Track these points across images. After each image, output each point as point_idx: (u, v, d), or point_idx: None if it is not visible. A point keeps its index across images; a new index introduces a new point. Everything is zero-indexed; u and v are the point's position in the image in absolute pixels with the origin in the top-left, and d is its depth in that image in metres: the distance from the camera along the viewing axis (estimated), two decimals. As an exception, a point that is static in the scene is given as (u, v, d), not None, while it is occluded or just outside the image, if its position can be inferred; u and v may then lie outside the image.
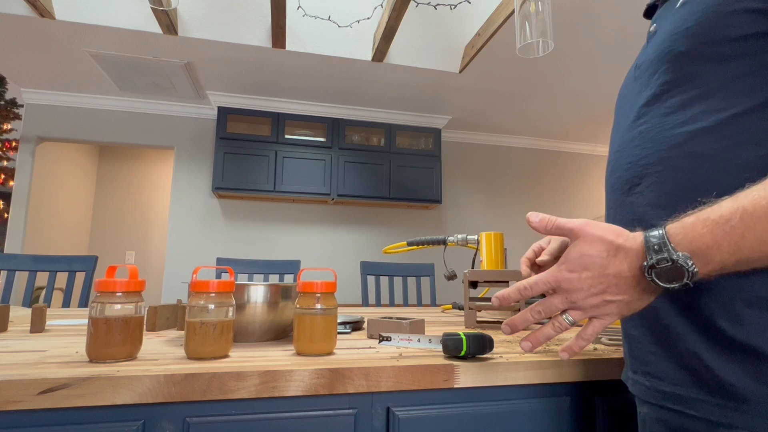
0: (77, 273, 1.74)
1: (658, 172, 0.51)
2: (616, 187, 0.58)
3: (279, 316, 0.77)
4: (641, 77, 0.57)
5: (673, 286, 0.42)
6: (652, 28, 0.60)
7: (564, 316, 0.51)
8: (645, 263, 0.43)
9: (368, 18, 2.58)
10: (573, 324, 0.51)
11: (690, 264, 0.41)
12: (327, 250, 3.64)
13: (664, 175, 0.51)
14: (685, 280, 0.41)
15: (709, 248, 0.40)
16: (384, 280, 3.19)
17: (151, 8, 2.27)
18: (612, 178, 0.60)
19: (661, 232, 0.43)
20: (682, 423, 0.46)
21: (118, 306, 0.58)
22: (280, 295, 0.76)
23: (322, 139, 3.43)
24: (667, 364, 0.48)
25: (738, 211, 0.39)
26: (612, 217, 0.60)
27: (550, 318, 0.54)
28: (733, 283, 0.43)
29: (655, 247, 0.43)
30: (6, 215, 3.33)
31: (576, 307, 0.49)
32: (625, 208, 0.56)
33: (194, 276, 0.70)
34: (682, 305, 0.47)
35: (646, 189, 0.52)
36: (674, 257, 0.41)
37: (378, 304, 2.11)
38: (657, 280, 0.43)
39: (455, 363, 0.61)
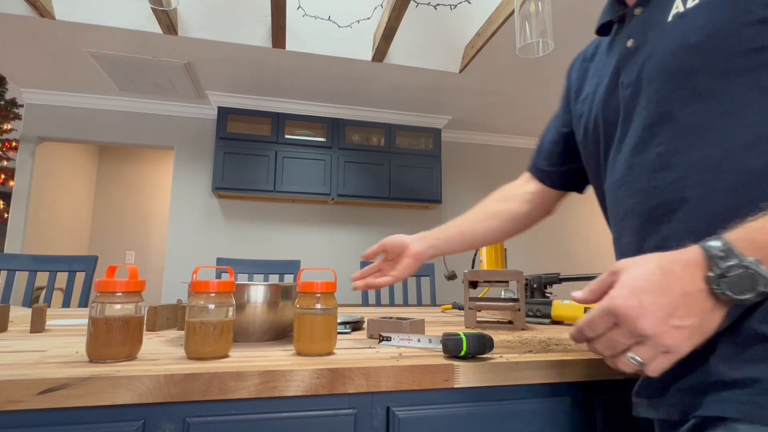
0: (77, 273, 1.74)
1: (700, 195, 0.47)
2: (637, 212, 0.55)
3: (279, 316, 0.77)
4: (637, 96, 0.55)
5: (746, 297, 0.37)
6: (629, 44, 0.58)
7: (629, 356, 0.41)
8: (711, 273, 0.38)
9: (368, 18, 2.58)
10: (642, 365, 0.41)
11: (765, 270, 0.37)
12: (327, 250, 3.64)
13: (707, 199, 0.47)
14: (760, 288, 0.37)
15: None
16: (384, 280, 3.19)
17: (151, 8, 2.27)
18: (629, 202, 0.56)
19: (721, 241, 0.39)
20: None
21: (118, 306, 0.58)
22: (280, 295, 0.76)
23: (322, 139, 3.43)
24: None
25: None
26: (635, 245, 0.55)
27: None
28: None
29: (720, 254, 0.38)
30: (6, 215, 3.33)
31: (642, 341, 0.40)
32: (656, 236, 0.52)
33: (194, 276, 0.70)
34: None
35: (687, 215, 0.48)
36: (746, 263, 0.37)
37: (378, 304, 2.11)
38: (729, 292, 0.38)
39: (455, 363, 0.61)
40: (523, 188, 0.92)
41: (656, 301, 0.39)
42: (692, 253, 0.40)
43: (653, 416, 0.51)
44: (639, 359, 0.41)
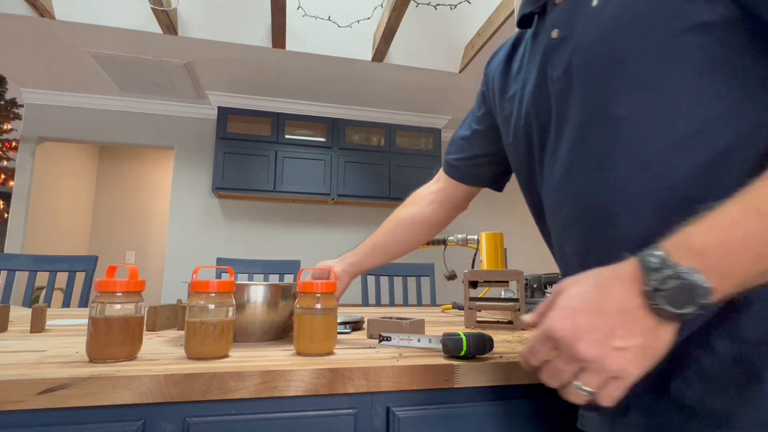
0: (77, 273, 1.74)
1: (641, 195, 0.44)
2: (580, 217, 0.50)
3: (279, 316, 0.77)
4: (568, 90, 0.50)
5: (687, 311, 0.34)
6: (554, 34, 0.53)
7: (576, 385, 0.38)
8: (646, 288, 0.35)
9: (368, 18, 2.58)
10: (592, 394, 0.37)
11: (702, 279, 0.33)
12: (327, 250, 3.64)
13: (650, 199, 0.43)
14: (699, 300, 0.34)
15: (722, 259, 0.34)
16: (384, 280, 3.19)
17: (151, 8, 2.27)
18: (570, 207, 0.51)
19: (658, 251, 0.36)
20: None
21: (118, 306, 0.58)
22: (280, 295, 0.76)
23: (322, 139, 3.43)
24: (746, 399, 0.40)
25: (751, 213, 0.33)
26: (580, 255, 0.51)
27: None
28: None
29: (655, 266, 0.35)
30: (6, 215, 3.33)
31: (586, 367, 0.37)
32: (601, 244, 0.48)
33: (194, 276, 0.70)
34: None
35: (630, 218, 0.45)
36: (682, 272, 0.34)
37: (378, 304, 2.11)
38: (668, 307, 0.34)
39: (455, 363, 0.61)
40: (429, 188, 0.93)
41: (592, 321, 0.36)
42: (629, 266, 0.37)
43: None
44: (587, 388, 0.37)
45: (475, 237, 1.43)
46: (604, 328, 0.36)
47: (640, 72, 0.44)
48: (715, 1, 0.41)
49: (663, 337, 0.36)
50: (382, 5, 2.51)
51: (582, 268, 0.48)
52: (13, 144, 3.24)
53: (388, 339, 0.75)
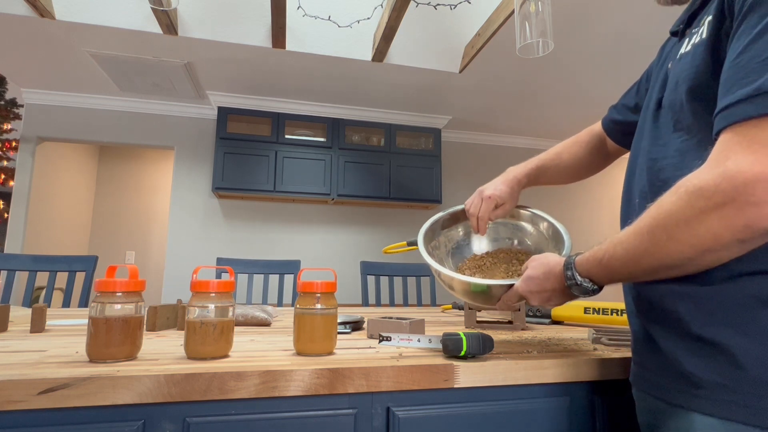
0: (77, 273, 1.74)
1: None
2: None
3: None
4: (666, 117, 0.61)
5: (584, 296, 0.65)
6: (669, 66, 0.63)
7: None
8: (566, 283, 0.64)
9: (368, 18, 2.58)
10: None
11: (588, 284, 0.62)
12: (327, 250, 3.64)
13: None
14: (588, 293, 0.64)
15: (596, 275, 0.61)
16: (384, 280, 3.19)
17: (151, 8, 2.27)
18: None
19: (572, 264, 0.63)
20: (654, 405, 0.57)
21: (118, 306, 0.58)
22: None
23: (322, 139, 3.42)
24: (651, 356, 0.58)
25: (607, 254, 0.58)
26: None
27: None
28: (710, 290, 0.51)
29: (568, 273, 0.64)
30: (6, 215, 3.33)
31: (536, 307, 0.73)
32: None
33: (194, 276, 0.70)
34: (664, 312, 0.56)
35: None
36: (579, 282, 0.63)
37: (378, 304, 2.11)
38: (575, 293, 0.65)
39: (455, 363, 0.61)
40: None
41: (539, 292, 0.69)
42: (561, 267, 0.66)
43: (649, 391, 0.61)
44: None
45: (475, 237, 1.43)
46: (544, 296, 0.69)
47: (689, 120, 0.58)
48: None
49: (572, 298, 0.67)
50: (382, 5, 2.50)
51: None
52: (13, 144, 3.24)
53: (388, 339, 0.75)
